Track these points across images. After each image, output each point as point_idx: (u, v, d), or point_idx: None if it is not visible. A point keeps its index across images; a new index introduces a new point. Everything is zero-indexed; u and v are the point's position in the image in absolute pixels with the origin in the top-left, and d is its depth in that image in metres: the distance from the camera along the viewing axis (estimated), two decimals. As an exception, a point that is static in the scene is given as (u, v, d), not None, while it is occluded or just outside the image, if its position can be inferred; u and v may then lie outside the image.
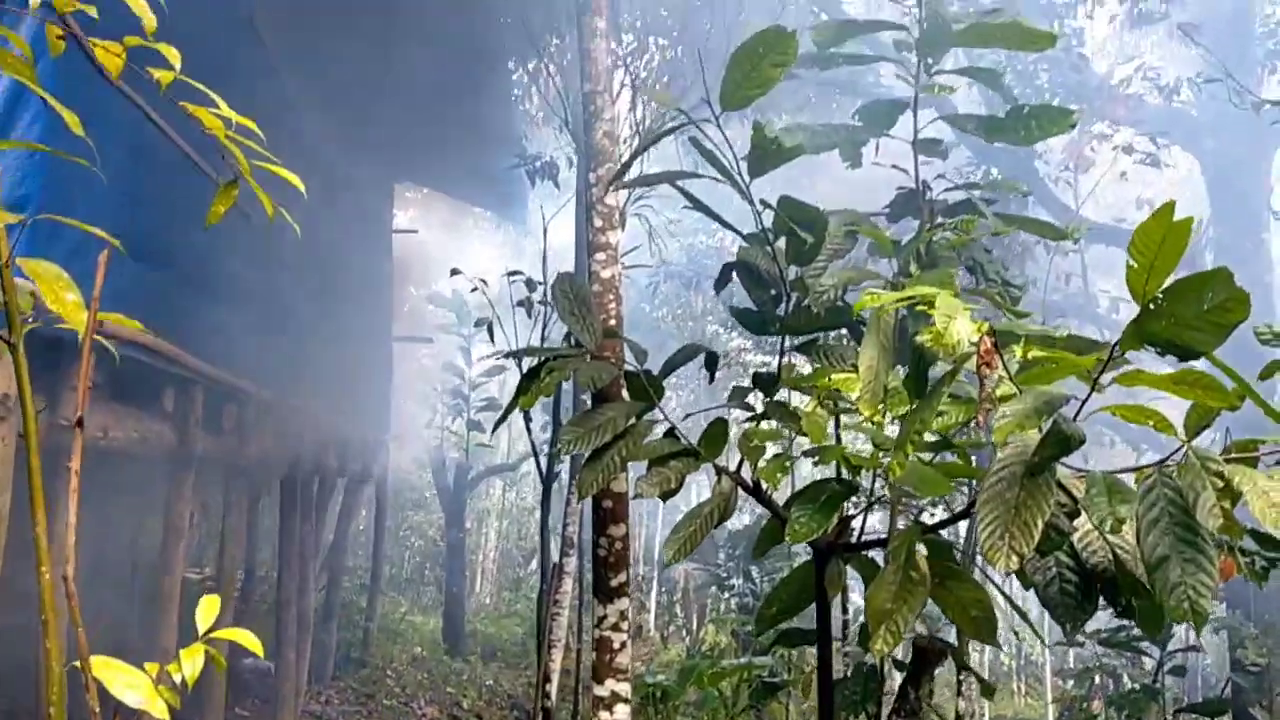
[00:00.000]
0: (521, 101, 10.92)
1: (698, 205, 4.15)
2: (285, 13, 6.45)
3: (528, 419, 6.96)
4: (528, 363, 4.30)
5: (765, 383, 3.87)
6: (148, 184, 4.40)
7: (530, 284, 7.35)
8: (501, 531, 22.96)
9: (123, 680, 1.66)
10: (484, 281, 7.29)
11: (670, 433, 3.94)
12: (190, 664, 1.74)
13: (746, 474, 3.60)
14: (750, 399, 4.00)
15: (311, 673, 9.58)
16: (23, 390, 1.75)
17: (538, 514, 21.91)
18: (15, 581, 3.51)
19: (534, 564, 21.47)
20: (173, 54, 1.97)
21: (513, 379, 16.93)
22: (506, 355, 4.91)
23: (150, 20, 1.74)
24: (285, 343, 7.11)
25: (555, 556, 7.63)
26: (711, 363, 4.33)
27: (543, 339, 7.58)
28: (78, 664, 1.75)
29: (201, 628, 1.81)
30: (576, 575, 8.01)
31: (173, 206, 4.45)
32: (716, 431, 3.75)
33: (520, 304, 7.47)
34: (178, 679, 1.72)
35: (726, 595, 14.26)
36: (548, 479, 7.23)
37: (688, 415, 5.06)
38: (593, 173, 5.30)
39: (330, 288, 8.62)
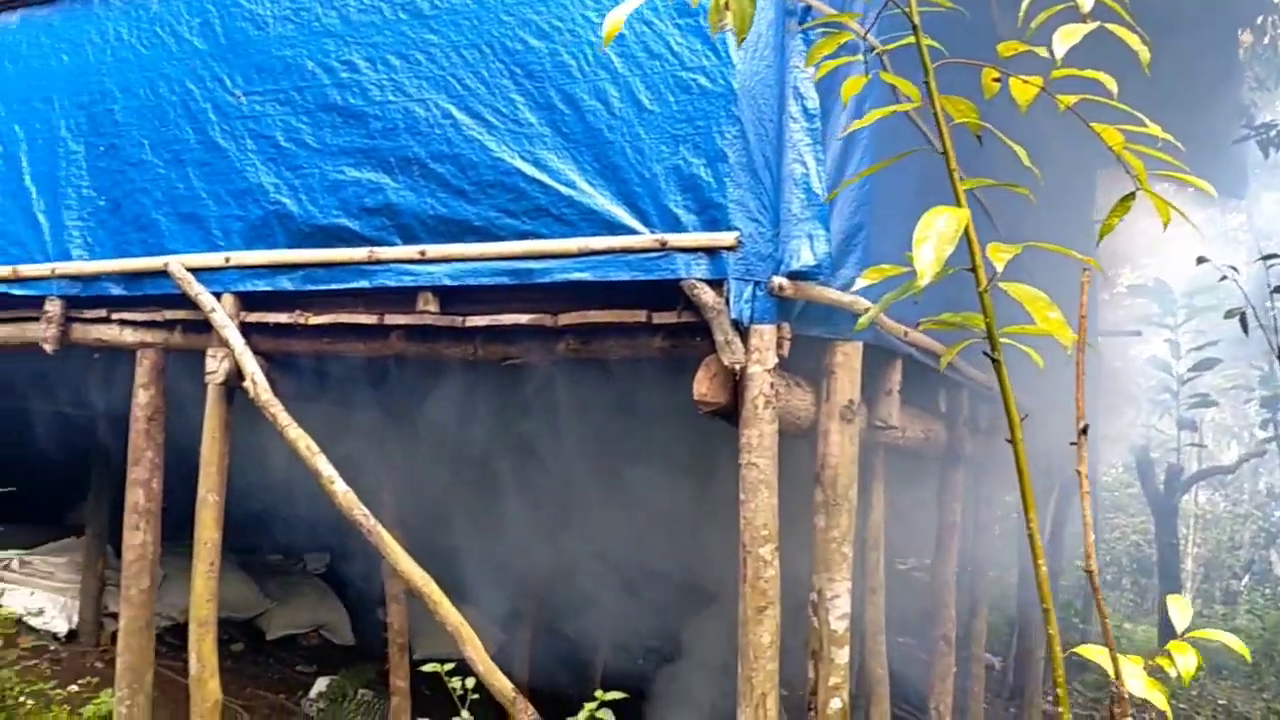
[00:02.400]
0: (1249, 65, 9.89)
1: None
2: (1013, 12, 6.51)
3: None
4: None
5: None
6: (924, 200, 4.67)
7: (1291, 267, 6.64)
8: (1197, 539, 20.97)
9: (1127, 670, 1.79)
10: (1234, 269, 6.74)
11: None
12: (1182, 659, 1.83)
13: None
14: None
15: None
16: (1007, 398, 1.96)
17: (1251, 522, 19.58)
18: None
19: (1247, 578, 19.29)
20: (1109, 81, 2.10)
21: (1227, 373, 15.31)
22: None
23: (1144, 53, 1.84)
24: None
25: None
26: None
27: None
28: (1078, 650, 1.92)
29: (1179, 627, 1.90)
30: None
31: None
32: None
33: (1278, 290, 6.79)
34: (1173, 674, 1.83)
35: None
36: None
37: None
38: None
39: (1041, 282, 8.51)
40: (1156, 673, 1.87)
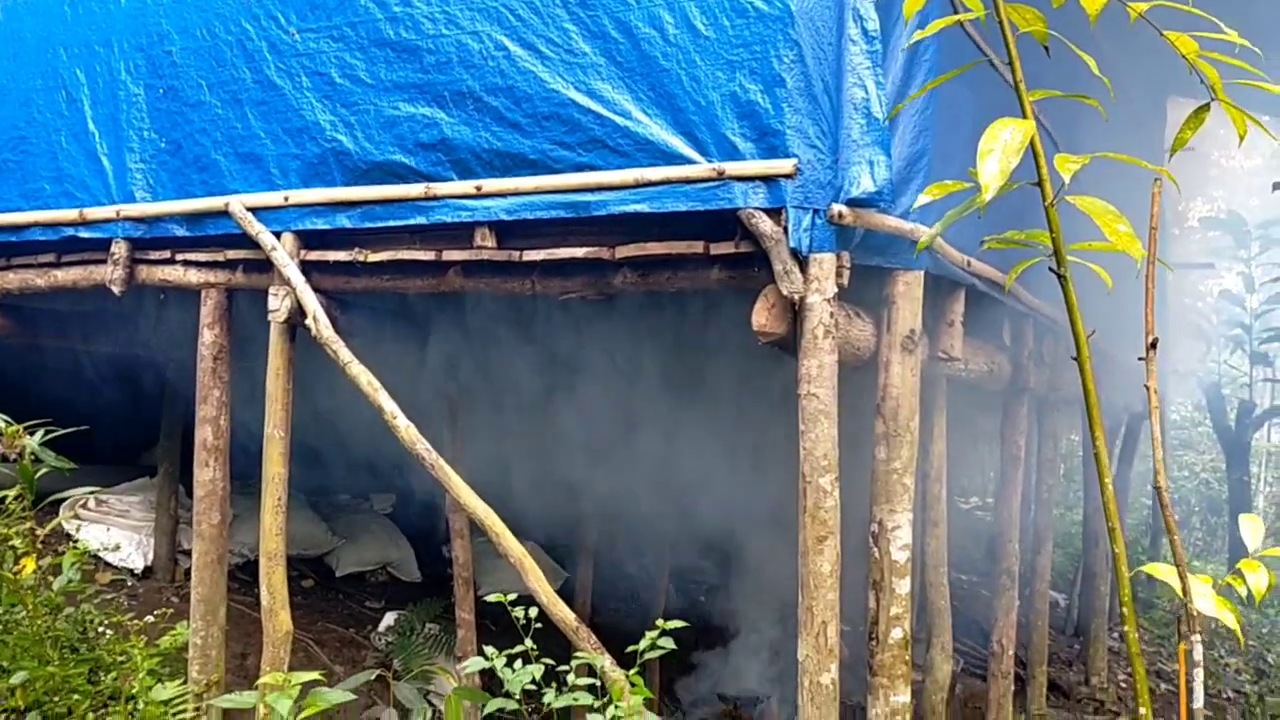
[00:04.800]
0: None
1: None
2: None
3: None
4: None
5: None
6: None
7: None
8: (1269, 477, 20.54)
9: (1196, 589, 1.76)
10: (1316, 196, 6.49)
11: None
12: (1253, 578, 1.79)
13: None
14: None
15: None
16: (1073, 314, 1.91)
17: (1330, 459, 19.15)
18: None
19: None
20: None
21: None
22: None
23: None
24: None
25: None
26: None
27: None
28: (1146, 569, 1.89)
29: (1251, 546, 1.85)
30: None
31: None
32: None
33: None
34: (1242, 592, 1.79)
35: None
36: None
37: None
38: None
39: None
40: (1227, 593, 1.83)
